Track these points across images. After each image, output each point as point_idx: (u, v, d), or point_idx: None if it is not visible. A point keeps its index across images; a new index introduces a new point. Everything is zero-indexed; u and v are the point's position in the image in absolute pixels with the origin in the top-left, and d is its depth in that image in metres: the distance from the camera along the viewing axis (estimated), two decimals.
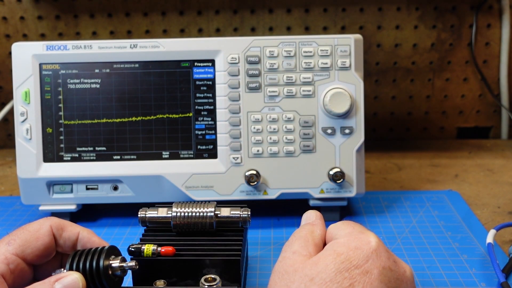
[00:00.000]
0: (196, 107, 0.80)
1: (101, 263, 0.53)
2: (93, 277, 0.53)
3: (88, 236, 0.56)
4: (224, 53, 0.79)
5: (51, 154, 0.80)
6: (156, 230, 0.65)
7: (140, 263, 0.58)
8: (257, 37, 0.79)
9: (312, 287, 0.46)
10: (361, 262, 0.47)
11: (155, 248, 0.58)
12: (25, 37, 1.16)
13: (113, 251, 0.55)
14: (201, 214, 0.63)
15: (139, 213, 0.64)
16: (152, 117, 0.80)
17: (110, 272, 0.53)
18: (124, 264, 0.54)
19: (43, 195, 0.80)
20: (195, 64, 0.80)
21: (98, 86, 0.80)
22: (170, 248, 0.58)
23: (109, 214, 0.86)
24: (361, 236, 0.49)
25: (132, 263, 0.54)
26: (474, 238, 0.76)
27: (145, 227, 0.65)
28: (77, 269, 0.52)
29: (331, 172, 0.79)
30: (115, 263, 0.54)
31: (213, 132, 0.80)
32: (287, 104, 0.79)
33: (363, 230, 0.51)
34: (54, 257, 0.57)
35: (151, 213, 0.64)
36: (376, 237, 0.50)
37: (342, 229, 0.52)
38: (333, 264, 0.47)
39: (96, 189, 0.81)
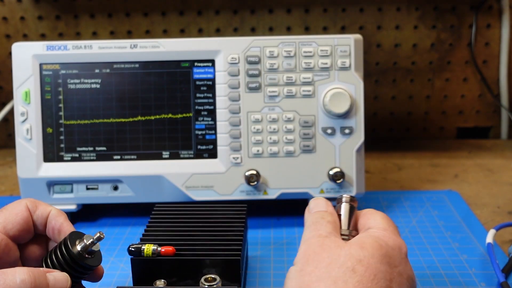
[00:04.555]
0: (196, 107, 0.80)
1: (72, 253, 0.53)
2: (74, 268, 0.53)
3: (56, 214, 0.57)
4: (224, 53, 0.79)
5: (51, 154, 0.80)
6: (156, 229, 0.65)
7: (140, 263, 0.59)
8: (257, 37, 0.79)
9: (360, 268, 0.46)
10: (397, 263, 0.48)
11: (155, 248, 0.58)
12: (25, 37, 1.16)
13: (76, 236, 0.55)
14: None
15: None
16: (152, 117, 0.80)
17: (85, 255, 0.54)
18: (91, 241, 0.54)
19: (43, 195, 0.80)
20: (195, 64, 0.80)
21: (98, 86, 0.80)
22: (170, 248, 0.59)
23: (109, 214, 0.86)
24: (396, 238, 0.51)
25: (98, 234, 0.54)
26: (473, 238, 0.76)
27: (145, 227, 0.65)
28: (55, 267, 0.53)
29: (331, 172, 0.79)
30: (82, 244, 0.54)
31: (213, 132, 0.80)
32: (287, 104, 0.79)
33: (396, 232, 0.52)
34: (38, 240, 0.58)
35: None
36: (405, 245, 0.51)
37: (379, 222, 0.53)
38: (378, 253, 0.48)
39: (96, 189, 0.81)
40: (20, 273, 0.48)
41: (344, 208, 0.55)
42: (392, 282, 0.46)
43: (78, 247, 0.54)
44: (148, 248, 0.58)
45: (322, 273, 0.47)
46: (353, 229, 0.54)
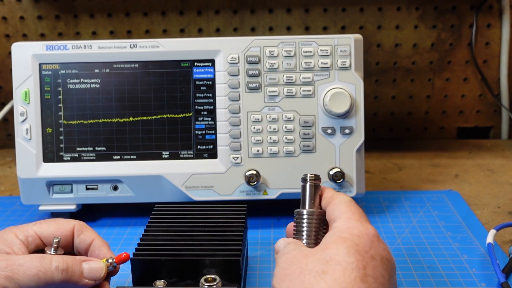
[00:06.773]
0: (196, 107, 0.80)
1: None
2: None
3: (99, 244, 0.58)
4: (224, 53, 0.79)
5: (51, 154, 0.80)
6: (156, 229, 0.65)
7: (140, 263, 0.58)
8: (257, 37, 0.79)
9: (328, 268, 0.48)
10: (367, 248, 0.49)
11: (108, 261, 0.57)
12: (25, 37, 1.16)
13: None
14: None
15: None
16: (152, 117, 0.80)
17: None
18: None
19: (43, 195, 0.80)
20: (195, 64, 0.80)
21: (98, 86, 0.80)
22: (123, 255, 0.57)
23: (109, 214, 0.86)
24: (360, 225, 0.52)
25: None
26: (474, 238, 0.76)
27: (145, 227, 0.65)
28: None
29: (331, 172, 0.79)
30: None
31: (213, 132, 0.80)
32: (287, 104, 0.79)
33: (361, 219, 0.53)
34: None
35: None
36: (373, 228, 0.52)
37: (343, 211, 0.54)
38: (343, 247, 0.49)
39: (96, 189, 0.80)
40: (55, 260, 0.52)
41: (309, 189, 0.57)
42: (366, 268, 0.48)
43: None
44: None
45: (295, 284, 0.48)
46: (317, 208, 0.56)
